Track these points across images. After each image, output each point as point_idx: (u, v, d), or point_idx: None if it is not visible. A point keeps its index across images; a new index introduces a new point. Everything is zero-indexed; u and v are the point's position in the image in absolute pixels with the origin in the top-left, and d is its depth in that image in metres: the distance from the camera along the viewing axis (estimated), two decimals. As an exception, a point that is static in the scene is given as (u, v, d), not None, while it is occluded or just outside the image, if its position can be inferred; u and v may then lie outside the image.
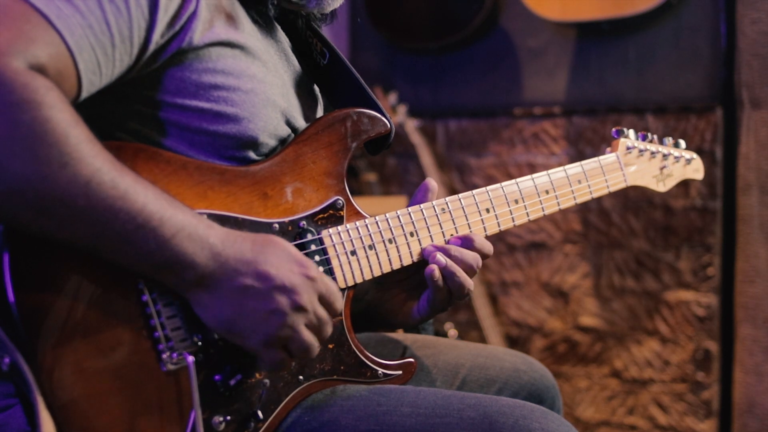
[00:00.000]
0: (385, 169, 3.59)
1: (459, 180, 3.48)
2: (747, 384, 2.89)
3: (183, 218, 1.03)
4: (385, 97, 3.37)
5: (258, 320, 1.06)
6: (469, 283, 1.32)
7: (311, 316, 1.10)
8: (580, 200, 1.50)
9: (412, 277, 1.37)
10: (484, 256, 1.35)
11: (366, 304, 1.42)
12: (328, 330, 1.14)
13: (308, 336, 1.10)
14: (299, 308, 1.08)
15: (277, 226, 1.19)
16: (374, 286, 1.41)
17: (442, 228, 1.34)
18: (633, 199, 3.15)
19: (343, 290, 1.25)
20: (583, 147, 3.24)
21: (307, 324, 1.10)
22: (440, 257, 1.30)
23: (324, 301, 1.13)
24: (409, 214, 1.31)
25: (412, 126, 3.39)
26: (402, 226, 1.30)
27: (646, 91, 3.13)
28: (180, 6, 1.10)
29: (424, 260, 1.32)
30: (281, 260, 1.09)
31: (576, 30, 3.23)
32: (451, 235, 1.35)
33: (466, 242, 1.33)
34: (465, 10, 3.31)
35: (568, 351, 3.32)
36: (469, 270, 1.32)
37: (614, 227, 3.20)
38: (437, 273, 1.29)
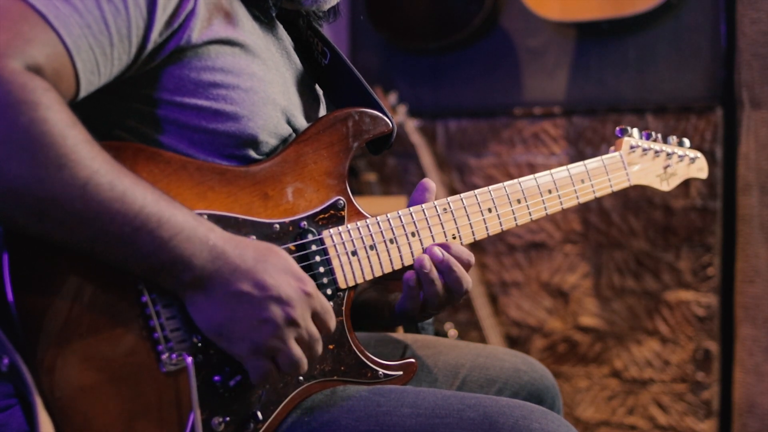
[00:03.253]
0: (385, 169, 3.59)
1: (459, 180, 3.48)
2: (747, 384, 2.89)
3: (182, 220, 1.03)
4: (385, 97, 3.37)
5: (249, 327, 1.06)
6: (440, 289, 1.28)
7: (303, 331, 1.10)
8: (583, 200, 1.49)
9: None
10: (464, 263, 1.31)
11: (363, 302, 1.42)
12: (318, 349, 1.13)
13: (297, 351, 1.10)
14: (291, 321, 1.08)
15: (277, 226, 1.19)
16: (373, 286, 1.41)
17: (443, 228, 1.33)
18: (633, 199, 3.15)
19: (343, 290, 1.25)
20: (583, 147, 3.23)
21: (297, 338, 1.09)
22: (426, 262, 1.27)
23: (318, 319, 1.12)
24: (411, 213, 1.31)
25: (412, 126, 3.38)
26: (403, 226, 1.30)
27: (646, 91, 3.13)
28: (178, 4, 1.09)
29: None
30: (280, 272, 1.09)
31: (576, 30, 3.22)
32: (453, 235, 1.34)
33: (445, 249, 1.30)
34: (465, 11, 3.31)
35: (568, 351, 3.31)
36: (450, 277, 1.29)
37: (614, 227, 3.20)
38: (414, 278, 1.27)
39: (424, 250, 1.30)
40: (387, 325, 1.40)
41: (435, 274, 1.27)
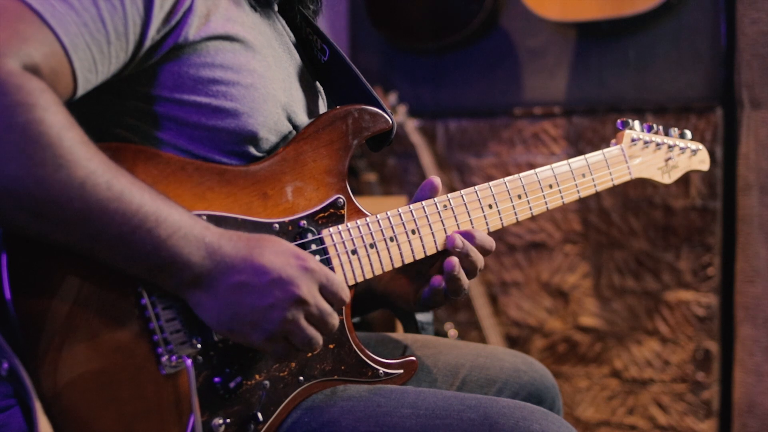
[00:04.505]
0: (385, 169, 3.59)
1: (459, 180, 3.47)
2: (747, 384, 2.88)
3: (179, 219, 1.03)
4: (385, 97, 3.37)
5: (257, 317, 1.06)
6: (467, 282, 1.31)
7: (312, 308, 1.09)
8: (584, 194, 1.47)
9: (416, 264, 1.36)
10: (485, 252, 1.33)
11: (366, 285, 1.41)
12: (332, 321, 1.12)
13: (309, 330, 1.09)
14: (298, 300, 1.07)
15: (277, 226, 1.18)
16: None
17: (444, 225, 1.32)
18: (633, 198, 3.15)
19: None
20: (583, 147, 3.23)
21: (307, 316, 1.09)
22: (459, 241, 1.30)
23: (326, 291, 1.11)
24: (411, 211, 1.30)
25: (412, 126, 3.38)
26: (403, 223, 1.29)
27: (646, 91, 3.12)
28: (176, 1, 1.09)
29: (427, 257, 1.31)
30: (277, 254, 1.08)
31: (576, 30, 3.22)
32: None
33: (468, 237, 1.32)
34: (465, 10, 3.30)
35: (568, 351, 3.31)
36: (470, 266, 1.31)
37: (614, 227, 3.20)
38: (457, 266, 1.28)
39: (448, 239, 1.31)
40: (403, 307, 1.40)
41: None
